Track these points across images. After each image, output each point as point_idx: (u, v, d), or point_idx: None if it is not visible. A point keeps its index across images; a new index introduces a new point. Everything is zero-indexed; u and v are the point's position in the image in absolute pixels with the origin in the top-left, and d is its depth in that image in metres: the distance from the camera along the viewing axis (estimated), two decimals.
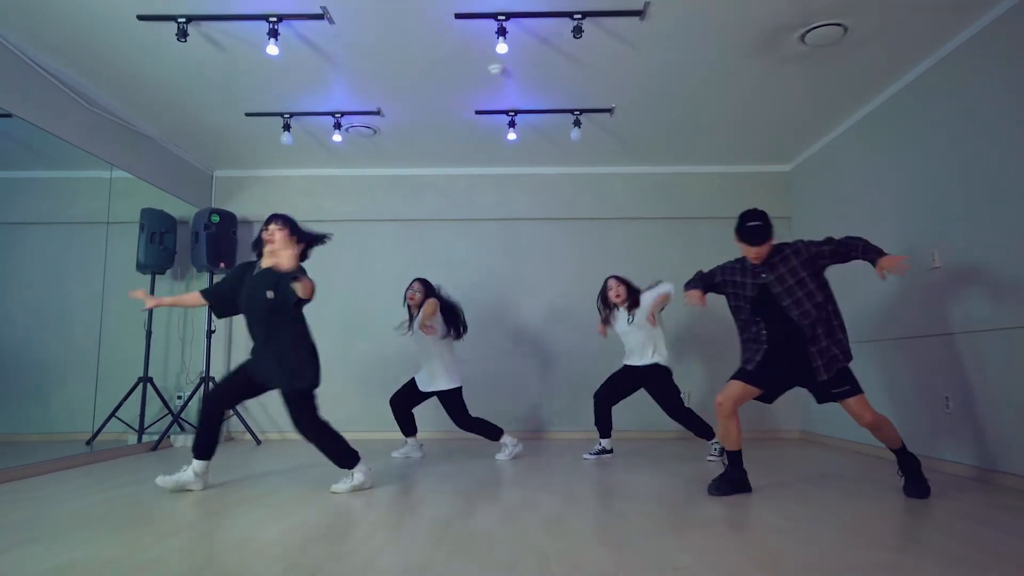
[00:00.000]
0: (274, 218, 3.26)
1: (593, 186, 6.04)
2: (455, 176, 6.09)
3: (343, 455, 3.28)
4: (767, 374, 3.13)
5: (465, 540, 2.27)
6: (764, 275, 3.12)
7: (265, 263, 3.26)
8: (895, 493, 3.10)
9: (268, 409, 5.88)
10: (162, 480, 3.20)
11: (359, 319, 5.95)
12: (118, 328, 4.91)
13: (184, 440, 5.33)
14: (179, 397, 5.64)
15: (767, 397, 3.23)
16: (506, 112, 4.79)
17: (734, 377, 3.17)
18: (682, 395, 4.44)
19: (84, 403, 4.63)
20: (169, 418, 5.29)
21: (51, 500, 3.04)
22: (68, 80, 4.19)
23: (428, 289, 4.46)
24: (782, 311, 3.06)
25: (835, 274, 5.01)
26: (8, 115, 3.84)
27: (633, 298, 4.45)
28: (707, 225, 5.96)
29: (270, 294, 3.11)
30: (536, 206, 6.04)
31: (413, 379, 4.54)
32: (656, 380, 4.39)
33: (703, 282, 3.33)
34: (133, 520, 2.59)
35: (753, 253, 3.11)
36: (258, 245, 3.31)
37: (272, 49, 3.55)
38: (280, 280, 3.08)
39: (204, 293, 3.46)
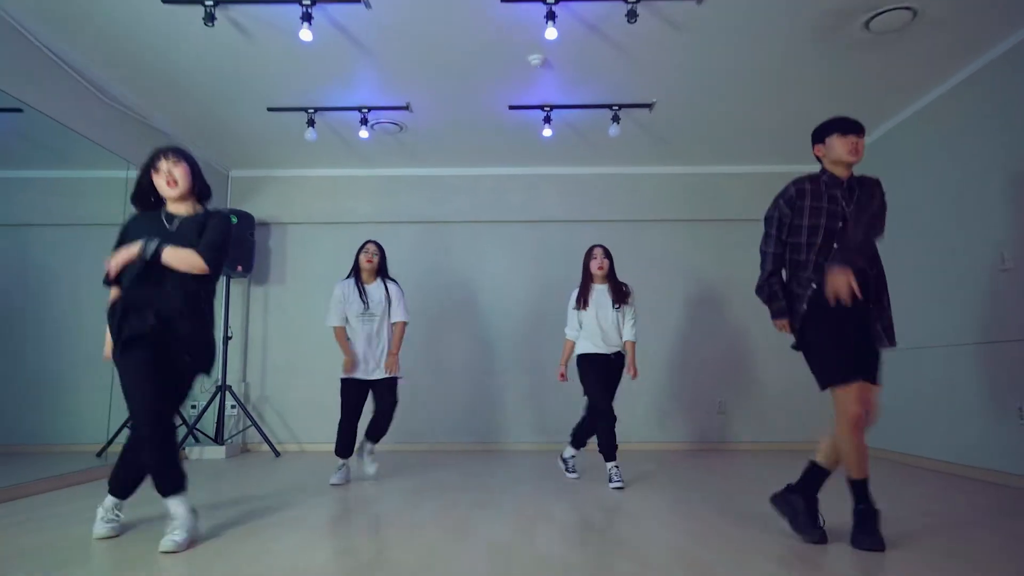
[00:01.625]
0: (171, 152, 2.51)
1: (625, 186, 5.80)
2: (482, 176, 5.85)
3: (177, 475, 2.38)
4: (852, 346, 2.34)
5: None
6: (844, 199, 2.44)
7: (174, 208, 2.52)
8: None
9: (287, 420, 5.62)
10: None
11: None
12: None
13: (200, 452, 5.06)
14: (193, 407, 5.39)
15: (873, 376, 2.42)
16: (541, 107, 4.56)
17: (836, 380, 2.30)
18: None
19: (98, 412, 4.38)
20: (183, 429, 5.04)
21: (71, 520, 2.78)
22: (85, 71, 3.96)
23: (383, 255, 3.96)
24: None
25: (904, 277, 4.65)
26: (20, 110, 3.62)
27: (613, 280, 3.92)
28: (742, 228, 5.70)
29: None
30: (566, 207, 5.81)
31: (350, 380, 3.82)
32: (619, 371, 3.89)
33: (781, 235, 2.54)
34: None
35: (850, 148, 2.42)
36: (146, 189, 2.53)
37: (305, 34, 3.32)
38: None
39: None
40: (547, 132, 4.68)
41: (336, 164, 5.75)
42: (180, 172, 2.46)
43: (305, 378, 5.62)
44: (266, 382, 5.69)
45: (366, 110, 4.57)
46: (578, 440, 3.95)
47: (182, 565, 2.08)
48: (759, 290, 2.59)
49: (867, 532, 2.25)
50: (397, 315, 3.90)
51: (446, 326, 5.68)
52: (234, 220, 5.11)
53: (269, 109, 4.58)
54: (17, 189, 4.20)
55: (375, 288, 3.90)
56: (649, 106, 4.54)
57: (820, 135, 2.54)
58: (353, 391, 3.83)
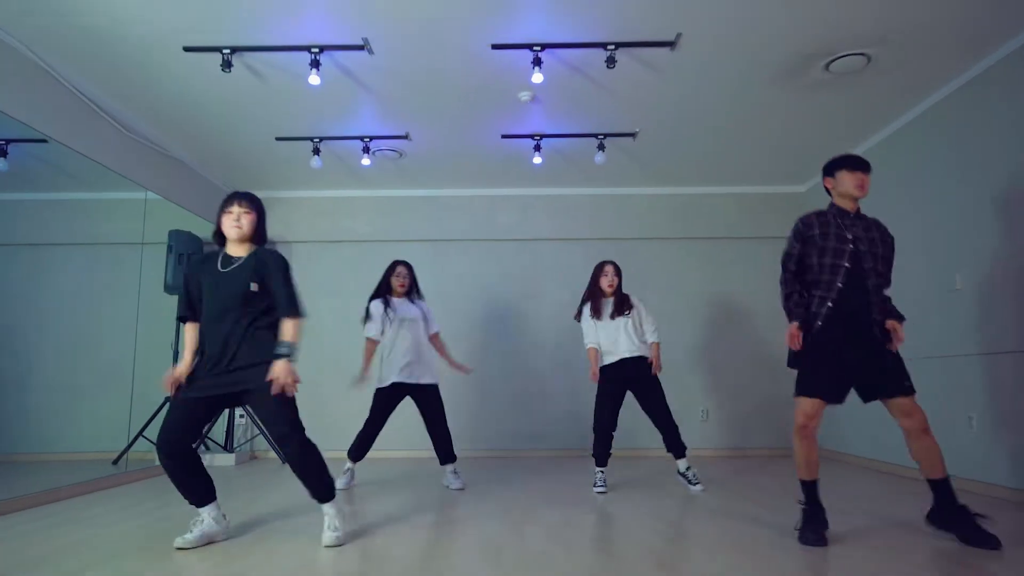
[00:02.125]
0: (245, 199, 2.72)
1: (614, 207, 6.14)
2: (478, 197, 6.19)
3: (327, 483, 2.73)
4: (835, 372, 2.66)
5: None
6: (854, 228, 2.71)
7: (232, 250, 2.74)
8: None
9: None
10: (182, 541, 2.58)
11: None
12: (147, 347, 4.97)
13: (210, 459, 5.37)
14: None
15: (839, 398, 2.71)
16: (532, 136, 4.89)
17: (802, 392, 2.67)
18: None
19: (117, 422, 4.68)
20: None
21: (97, 521, 3.08)
22: (107, 106, 4.28)
23: (413, 276, 4.32)
24: (860, 277, 2.66)
25: None
26: (45, 140, 3.93)
27: (619, 296, 4.12)
28: (725, 245, 6.06)
29: (254, 286, 2.65)
30: (557, 226, 6.14)
31: (385, 388, 4.11)
32: (648, 375, 3.98)
33: (797, 295, 2.79)
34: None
35: (857, 183, 2.70)
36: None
37: (314, 79, 3.65)
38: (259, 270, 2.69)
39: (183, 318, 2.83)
40: (537, 160, 5.01)
41: (338, 186, 6.07)
42: (247, 220, 2.70)
43: (309, 389, 5.90)
44: None
45: (368, 139, 4.90)
46: (680, 450, 4.00)
47: (197, 563, 2.38)
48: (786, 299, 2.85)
49: (812, 530, 2.60)
50: (433, 328, 4.28)
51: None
52: None
53: (277, 139, 4.91)
54: (42, 211, 4.51)
55: (403, 302, 4.24)
56: (633, 135, 4.88)
57: (830, 169, 2.81)
58: (386, 399, 4.13)
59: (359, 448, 4.16)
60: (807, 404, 2.65)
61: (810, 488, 2.69)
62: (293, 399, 2.63)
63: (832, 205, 2.82)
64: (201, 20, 3.38)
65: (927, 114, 4.32)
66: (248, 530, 2.90)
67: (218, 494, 2.81)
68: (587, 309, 4.16)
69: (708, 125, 4.74)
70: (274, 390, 2.52)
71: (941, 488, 2.62)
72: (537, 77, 3.67)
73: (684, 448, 3.99)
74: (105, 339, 4.85)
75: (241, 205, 2.69)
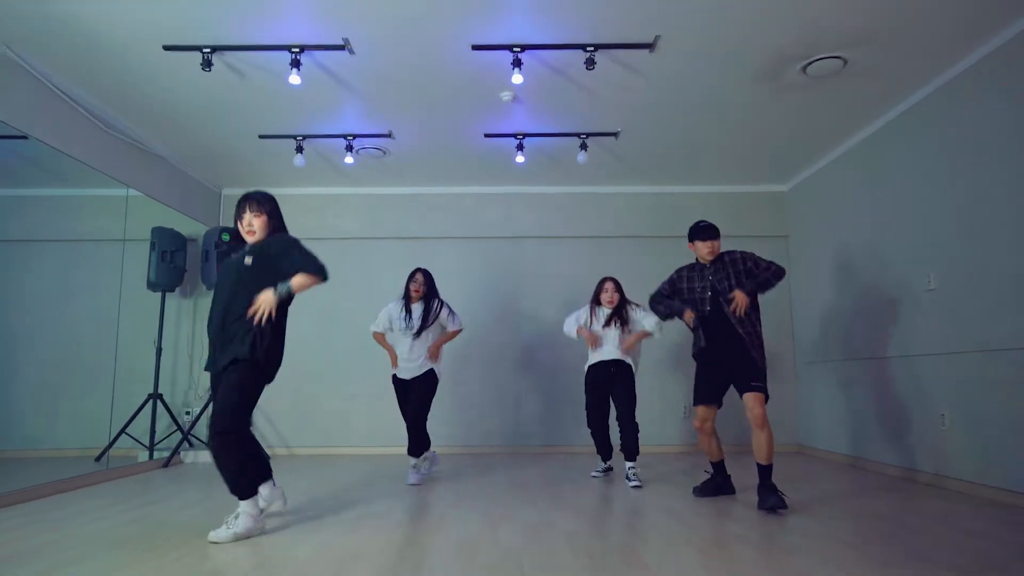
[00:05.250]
0: (256, 202, 2.87)
1: (596, 205, 6.19)
2: (462, 195, 6.22)
3: (243, 482, 2.77)
4: (713, 382, 3.55)
5: None
6: (711, 275, 3.55)
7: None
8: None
9: (276, 424, 5.94)
10: (217, 535, 2.66)
11: (366, 336, 6.02)
12: (129, 344, 4.97)
13: (194, 456, 5.38)
14: (187, 413, 5.70)
15: (718, 402, 3.59)
16: (514, 136, 4.92)
17: (698, 402, 3.60)
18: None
19: (98, 419, 4.68)
20: (179, 434, 5.35)
21: (74, 520, 3.10)
22: (87, 104, 4.27)
23: (431, 283, 4.46)
24: (722, 309, 3.47)
25: (832, 292, 5.19)
26: (24, 136, 3.91)
27: (621, 309, 4.39)
28: None
29: (248, 260, 2.80)
30: (540, 224, 6.18)
31: (395, 378, 4.39)
32: (624, 377, 4.28)
33: (671, 297, 3.78)
34: (165, 539, 2.67)
35: (708, 249, 3.58)
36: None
37: (295, 79, 3.66)
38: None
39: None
40: (520, 159, 5.04)
41: (323, 183, 6.08)
42: (259, 224, 2.84)
43: (293, 383, 5.94)
44: None
45: (351, 138, 4.91)
46: (630, 452, 4.19)
47: (170, 564, 2.41)
48: (658, 313, 3.94)
49: (706, 493, 3.65)
50: (452, 326, 4.46)
51: None
52: (226, 238, 5.46)
53: (260, 137, 4.91)
54: (22, 207, 4.50)
55: (417, 307, 4.38)
56: (615, 134, 4.92)
57: (690, 237, 3.70)
58: (399, 387, 4.39)
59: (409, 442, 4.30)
60: (697, 411, 3.61)
61: (716, 465, 3.68)
62: (248, 390, 2.76)
63: (696, 261, 3.72)
64: (181, 19, 3.38)
65: (904, 116, 4.38)
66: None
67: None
68: (581, 312, 4.51)
69: (689, 125, 4.78)
70: (251, 310, 2.69)
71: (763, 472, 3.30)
72: (517, 78, 3.70)
73: (636, 453, 4.21)
74: (86, 336, 4.85)
75: (251, 209, 2.84)
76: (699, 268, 3.67)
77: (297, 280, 2.76)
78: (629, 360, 4.31)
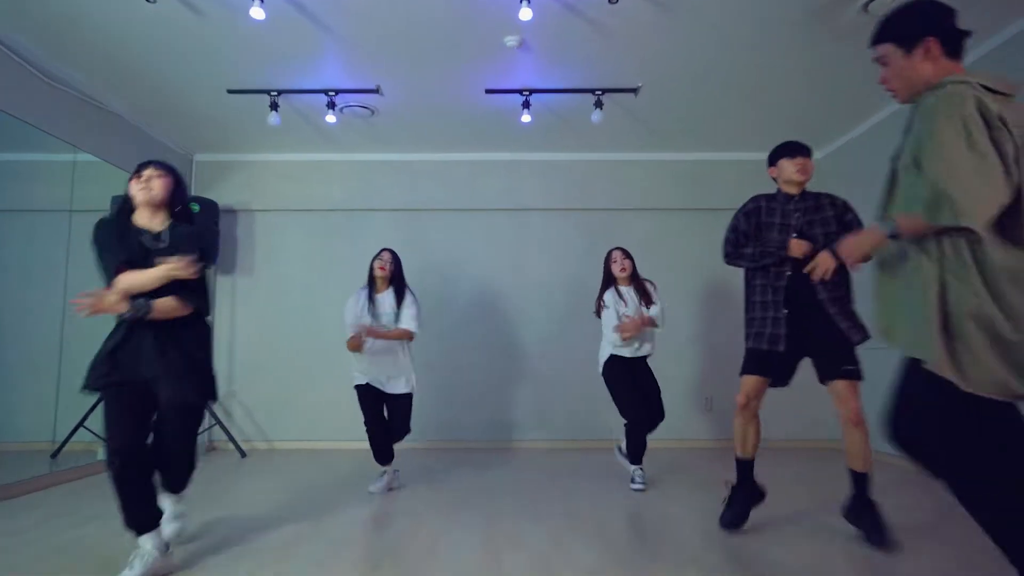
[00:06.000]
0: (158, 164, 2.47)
1: (610, 174, 5.57)
2: (459, 162, 5.59)
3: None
4: (780, 352, 2.68)
5: None
6: (797, 215, 2.72)
7: (147, 222, 2.42)
8: None
9: (255, 416, 5.40)
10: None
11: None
12: (83, 327, 4.39)
13: None
14: None
15: (783, 379, 2.78)
16: (520, 91, 4.30)
17: (746, 371, 2.78)
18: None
19: (44, 410, 4.14)
20: None
21: (34, 531, 2.57)
22: (22, 50, 3.65)
23: (398, 263, 3.78)
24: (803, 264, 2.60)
25: None
26: None
27: (637, 281, 3.84)
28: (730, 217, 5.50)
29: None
30: (547, 195, 5.57)
31: (363, 387, 3.62)
32: (646, 368, 3.83)
33: (743, 243, 2.84)
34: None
35: (797, 168, 2.72)
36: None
37: (256, 12, 3.06)
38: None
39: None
40: (526, 118, 4.43)
41: (305, 149, 5.47)
42: (160, 183, 2.40)
43: (274, 372, 5.40)
44: (233, 376, 5.45)
45: (333, 93, 4.29)
46: (635, 456, 3.74)
47: None
48: (739, 260, 2.84)
49: (737, 520, 2.75)
50: (404, 322, 3.64)
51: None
52: (196, 208, 4.87)
53: (229, 91, 4.29)
54: None
55: (385, 297, 3.68)
56: (634, 90, 4.30)
57: (772, 157, 2.83)
58: (369, 397, 3.61)
59: (373, 451, 3.65)
60: (744, 382, 2.76)
61: (745, 465, 2.78)
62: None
63: (778, 190, 2.84)
64: None
65: (978, 64, 3.76)
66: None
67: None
68: (608, 297, 3.83)
69: (722, 78, 4.14)
70: None
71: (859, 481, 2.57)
72: (525, 13, 3.09)
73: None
74: (28, 318, 4.27)
75: (152, 166, 2.43)
76: (781, 199, 2.79)
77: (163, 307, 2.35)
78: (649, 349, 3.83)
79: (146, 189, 2.36)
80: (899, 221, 1.54)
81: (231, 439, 5.02)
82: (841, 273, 2.57)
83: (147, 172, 2.40)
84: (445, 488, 3.71)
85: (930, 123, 1.47)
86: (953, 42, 1.62)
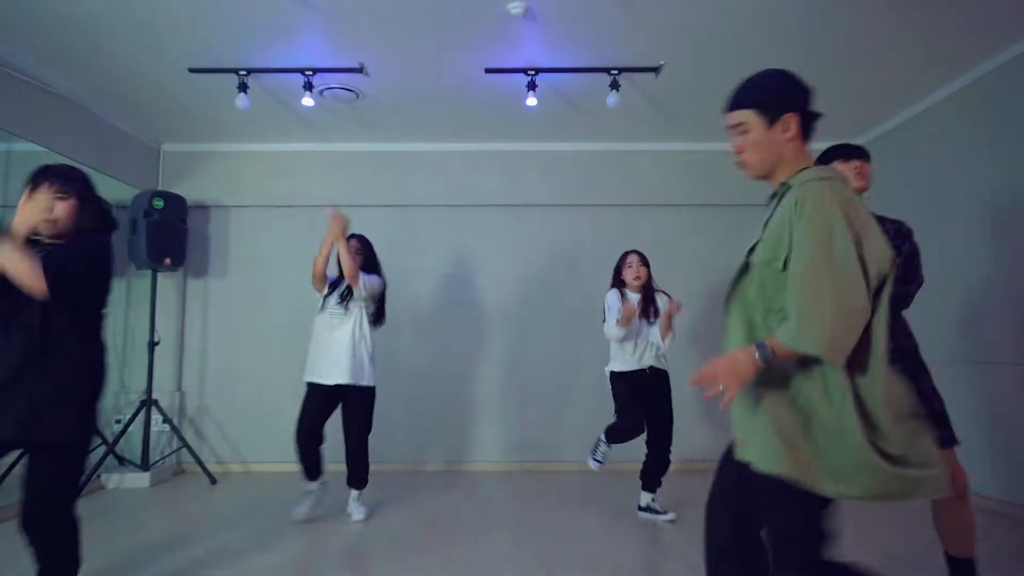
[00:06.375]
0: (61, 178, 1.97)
1: (622, 166, 5.05)
2: (454, 153, 5.06)
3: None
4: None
5: None
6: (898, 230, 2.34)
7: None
8: None
9: (229, 434, 4.88)
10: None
11: None
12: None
13: (120, 480, 4.31)
14: (117, 421, 4.61)
15: None
16: (524, 71, 3.78)
17: (945, 443, 2.12)
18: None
19: None
20: (102, 448, 4.26)
21: None
22: None
23: (369, 251, 3.58)
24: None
25: (940, 286, 3.96)
26: None
27: (649, 291, 3.52)
28: (754, 213, 4.97)
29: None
30: (551, 190, 5.05)
31: (310, 385, 3.41)
32: (664, 386, 3.51)
33: None
34: None
35: (854, 171, 2.37)
36: None
37: None
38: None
39: None
40: (531, 101, 3.90)
41: (284, 138, 4.93)
42: (63, 209, 1.93)
43: (251, 383, 4.88)
44: (205, 390, 4.93)
45: (310, 72, 3.76)
46: (651, 482, 3.50)
47: None
48: None
49: None
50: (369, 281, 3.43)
51: (413, 325, 4.94)
52: (159, 203, 4.35)
53: (191, 70, 3.75)
54: None
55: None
56: (655, 70, 3.78)
57: (821, 162, 2.34)
58: (316, 395, 3.38)
59: (300, 462, 3.41)
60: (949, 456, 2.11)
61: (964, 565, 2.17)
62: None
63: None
64: None
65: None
66: None
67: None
68: (612, 299, 3.50)
69: (754, 57, 3.60)
70: None
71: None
72: None
73: (659, 484, 3.49)
74: None
75: (52, 186, 1.92)
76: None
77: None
78: (666, 367, 3.52)
79: (48, 222, 1.89)
80: (771, 345, 1.36)
81: (200, 464, 4.49)
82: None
83: (42, 193, 1.88)
84: (433, 515, 3.20)
85: (798, 230, 1.37)
86: (808, 123, 1.54)
